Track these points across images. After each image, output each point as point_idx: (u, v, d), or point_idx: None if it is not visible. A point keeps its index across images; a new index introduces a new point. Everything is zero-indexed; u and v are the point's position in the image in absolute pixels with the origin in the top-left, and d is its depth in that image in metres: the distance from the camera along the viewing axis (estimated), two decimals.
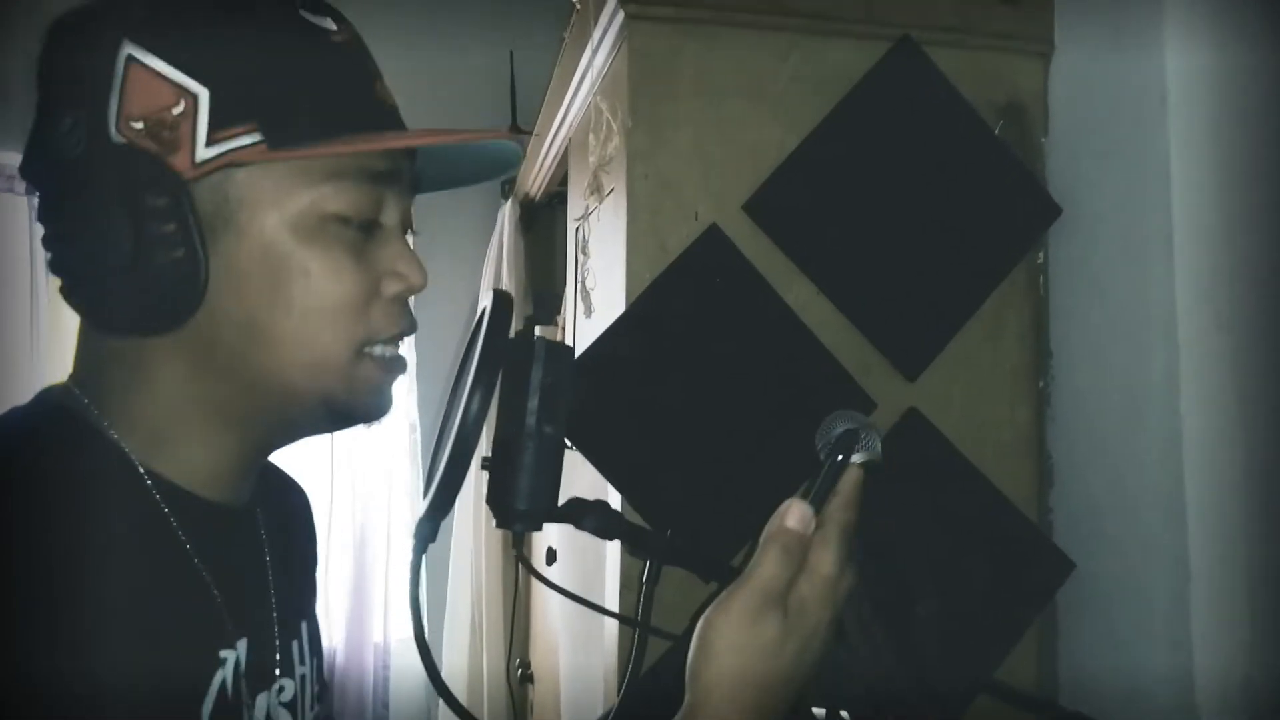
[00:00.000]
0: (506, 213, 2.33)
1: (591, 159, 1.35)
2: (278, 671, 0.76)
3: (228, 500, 0.74)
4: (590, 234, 1.39)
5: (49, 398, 0.71)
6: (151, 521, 0.67)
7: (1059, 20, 1.30)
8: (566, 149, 1.68)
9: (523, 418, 0.79)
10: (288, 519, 0.87)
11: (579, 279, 1.41)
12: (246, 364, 0.68)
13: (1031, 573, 1.24)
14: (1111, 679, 1.18)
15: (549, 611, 1.93)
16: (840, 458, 0.71)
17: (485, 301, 0.80)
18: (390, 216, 0.72)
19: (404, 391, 2.69)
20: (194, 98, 0.63)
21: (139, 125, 0.63)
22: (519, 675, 2.16)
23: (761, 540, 0.69)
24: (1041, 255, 1.31)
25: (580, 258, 1.42)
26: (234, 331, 0.67)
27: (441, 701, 2.39)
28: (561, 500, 0.81)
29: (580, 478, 1.10)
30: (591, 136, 1.34)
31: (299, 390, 0.69)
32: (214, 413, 0.70)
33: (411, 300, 0.75)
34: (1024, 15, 1.30)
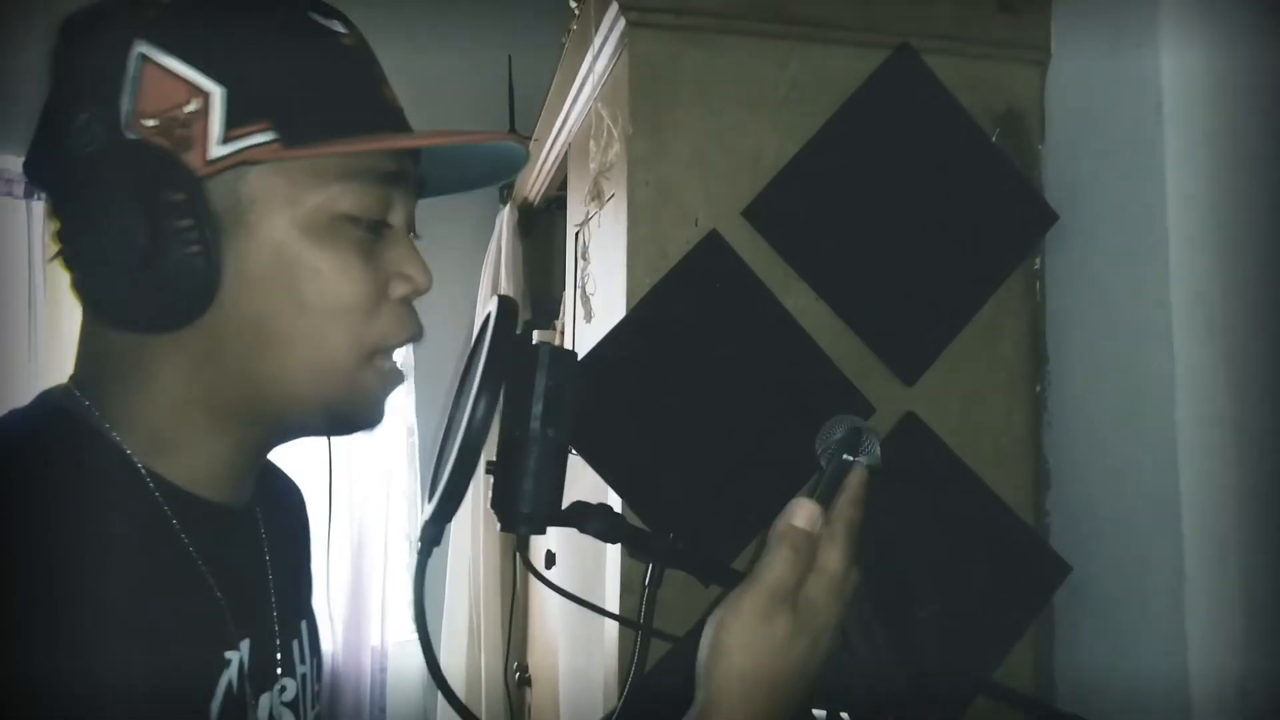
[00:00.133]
0: (505, 217, 2.34)
1: (592, 165, 1.35)
2: (279, 671, 0.76)
3: (228, 500, 0.74)
4: (591, 239, 1.40)
5: (49, 400, 0.71)
6: (153, 522, 0.67)
7: (1055, 28, 1.31)
8: (566, 154, 1.69)
9: (527, 422, 0.79)
10: (285, 517, 0.87)
11: (579, 284, 1.42)
12: (253, 364, 0.68)
13: (1029, 575, 1.25)
14: (1108, 681, 1.19)
15: (547, 614, 1.94)
16: (847, 457, 0.72)
17: (490, 307, 0.81)
18: (397, 218, 0.72)
19: (402, 395, 2.70)
20: (208, 96, 0.64)
21: (152, 122, 0.64)
22: (516, 678, 2.16)
23: (770, 539, 0.69)
24: (1038, 261, 1.32)
25: (580, 263, 1.43)
26: (242, 331, 0.67)
27: (440, 705, 2.39)
28: (565, 504, 0.82)
29: (581, 482, 1.11)
30: (592, 143, 1.35)
31: (302, 394, 0.70)
32: (215, 413, 0.70)
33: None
34: (1021, 24, 1.31)
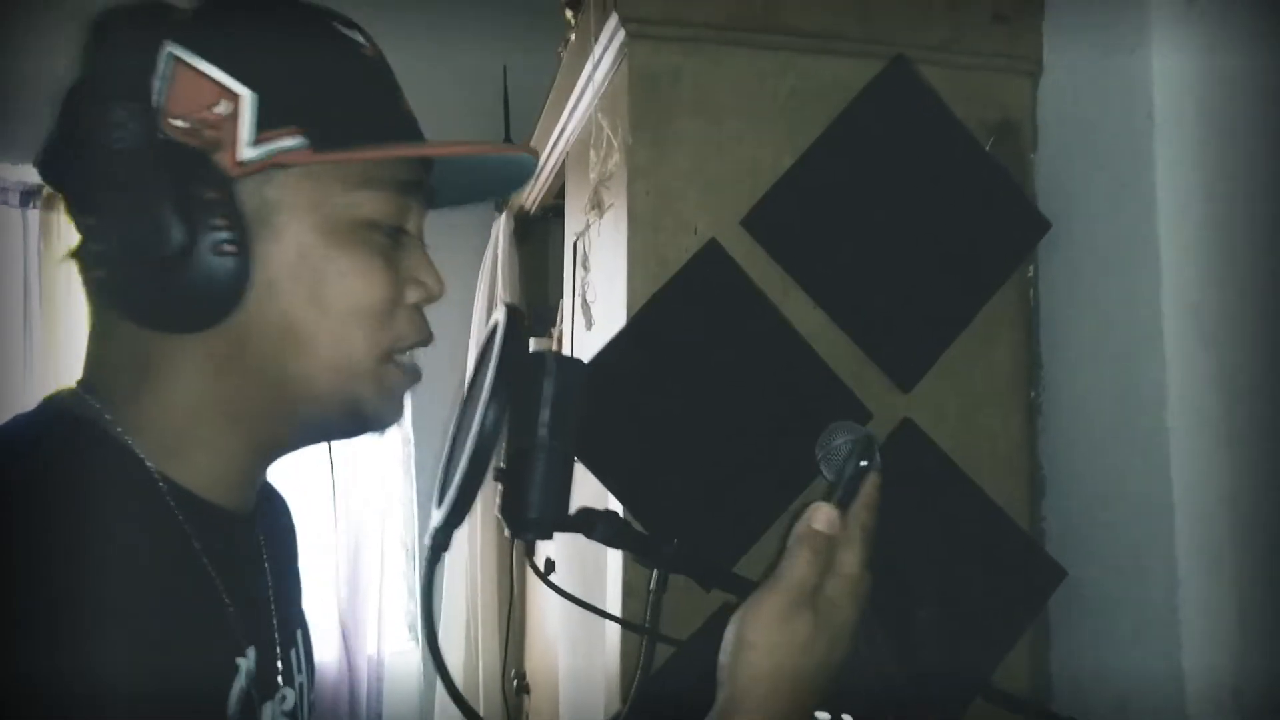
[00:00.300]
0: (501, 226, 2.35)
1: (592, 175, 1.37)
2: (280, 680, 0.77)
3: (235, 506, 0.74)
4: (591, 248, 1.41)
5: (57, 404, 0.71)
6: (167, 527, 0.68)
7: (1047, 40, 1.33)
8: (563, 163, 1.70)
9: (534, 429, 0.81)
10: (277, 525, 0.88)
11: (580, 292, 1.43)
12: (275, 365, 0.69)
13: (1024, 580, 1.26)
14: (1103, 683, 1.20)
15: (545, 621, 1.94)
16: (863, 463, 0.74)
17: (499, 315, 0.82)
18: (413, 225, 0.74)
19: None
20: (238, 99, 0.65)
21: (181, 123, 0.65)
22: (514, 686, 2.16)
23: (790, 541, 0.71)
24: (1032, 269, 1.33)
25: (580, 271, 1.44)
26: (265, 332, 0.68)
27: (437, 714, 2.39)
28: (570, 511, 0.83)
29: (582, 488, 1.12)
30: (592, 152, 1.37)
31: (324, 392, 0.71)
32: (231, 416, 0.70)
33: None
34: (1014, 35, 1.32)
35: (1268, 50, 1.07)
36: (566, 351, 1.65)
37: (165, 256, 0.64)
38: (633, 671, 1.17)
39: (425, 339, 0.76)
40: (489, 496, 0.79)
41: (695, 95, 1.24)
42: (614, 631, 1.24)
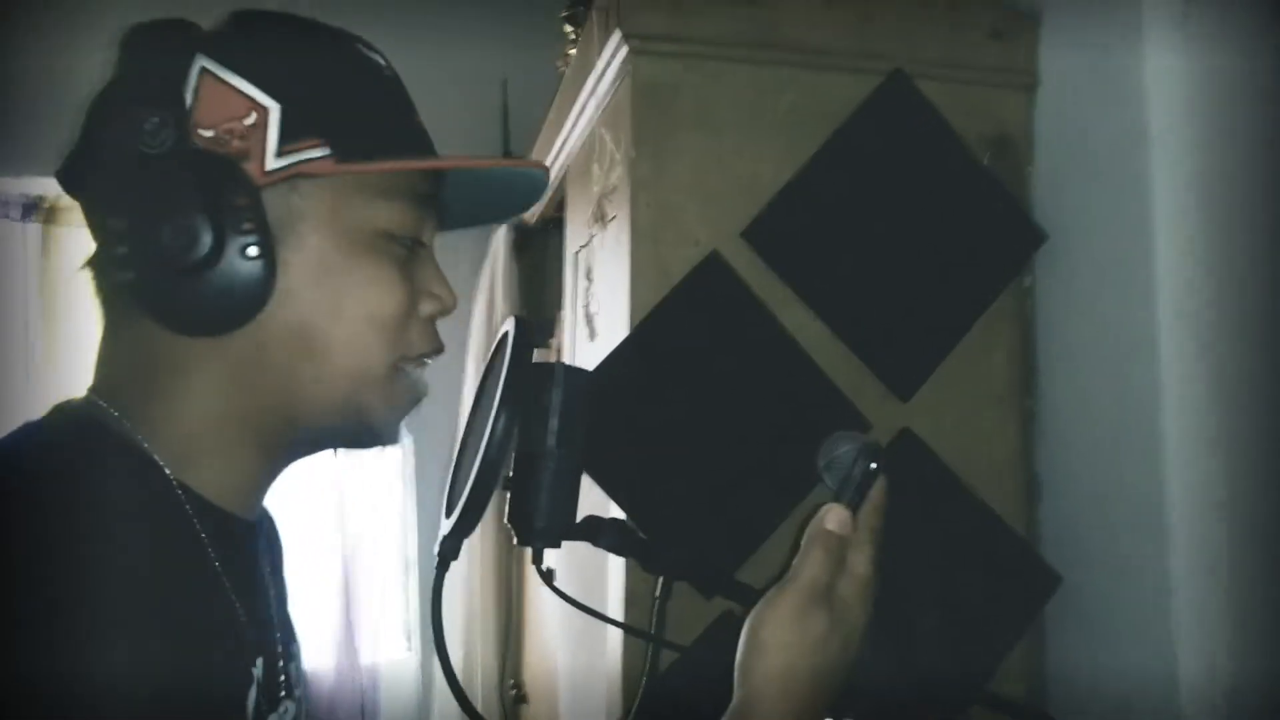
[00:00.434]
0: (500, 237, 2.37)
1: (596, 188, 1.38)
2: (282, 693, 0.77)
3: (244, 515, 0.75)
4: (594, 259, 1.43)
5: (70, 411, 0.71)
6: (186, 535, 0.69)
7: (1043, 55, 1.35)
8: (564, 176, 1.72)
9: (543, 438, 0.82)
10: (270, 535, 0.89)
11: (584, 303, 1.45)
12: (291, 371, 0.71)
13: (1021, 586, 1.28)
14: (1098, 687, 1.21)
15: (543, 630, 1.95)
16: (873, 466, 0.75)
17: (508, 326, 0.84)
18: (427, 238, 0.76)
19: None
20: (265, 111, 0.67)
21: (209, 133, 0.67)
22: (512, 696, 2.17)
23: (804, 542, 0.72)
24: (1029, 279, 1.35)
25: (584, 283, 1.45)
26: (284, 338, 0.70)
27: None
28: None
29: (584, 496, 1.13)
30: (595, 166, 1.38)
31: (338, 399, 0.72)
32: (247, 424, 0.72)
33: None
34: (1010, 50, 1.34)
35: (1260, 65, 1.08)
36: (568, 362, 1.66)
37: (195, 260, 0.65)
38: (634, 679, 1.19)
39: (437, 349, 0.77)
40: (492, 505, 0.81)
41: (697, 109, 1.26)
42: (615, 639, 1.25)
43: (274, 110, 0.67)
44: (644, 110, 1.25)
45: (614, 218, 1.32)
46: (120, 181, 0.67)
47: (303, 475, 0.94)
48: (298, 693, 0.81)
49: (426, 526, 2.77)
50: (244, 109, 0.67)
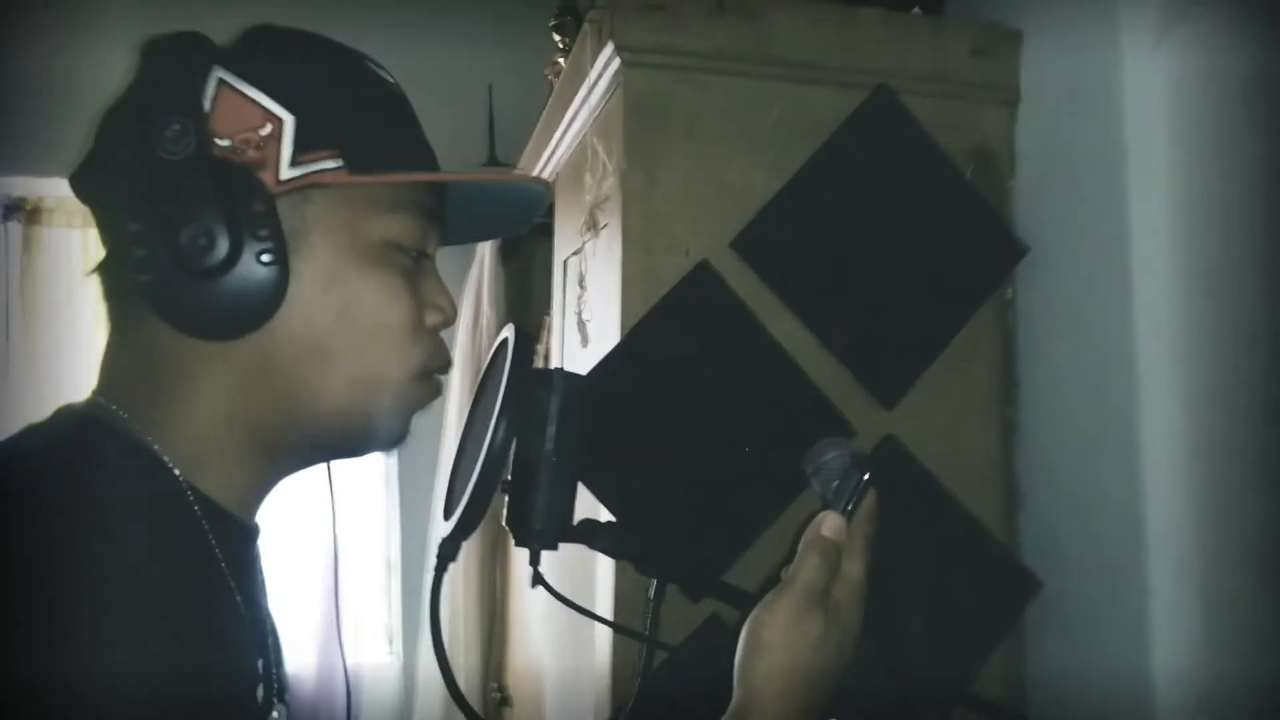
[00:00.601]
0: (487, 243, 2.38)
1: (588, 197, 1.40)
2: (275, 699, 0.78)
3: (247, 519, 0.76)
4: (586, 267, 1.45)
5: (75, 413, 0.72)
6: (195, 537, 0.69)
7: (1024, 71, 1.37)
8: (554, 183, 1.74)
9: (541, 443, 0.84)
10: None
11: (576, 310, 1.47)
12: (298, 377, 0.72)
13: (1003, 591, 1.30)
14: (1076, 688, 1.23)
15: (527, 633, 1.96)
16: (866, 475, 0.78)
17: (508, 333, 0.86)
18: (431, 249, 0.78)
19: None
20: (280, 122, 0.69)
21: (225, 142, 0.68)
22: (496, 699, 2.18)
23: (800, 548, 0.75)
24: (1010, 291, 1.38)
25: (578, 290, 1.47)
26: (293, 345, 0.71)
27: None
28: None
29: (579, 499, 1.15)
30: (588, 175, 1.40)
31: (343, 406, 0.73)
32: (253, 428, 0.72)
33: None
34: (992, 66, 1.37)
35: (1234, 81, 1.11)
36: (557, 367, 1.68)
37: (212, 264, 0.67)
38: (623, 681, 1.20)
39: (448, 362, 0.79)
40: None
41: (687, 121, 1.28)
42: (604, 641, 1.27)
43: (289, 122, 0.69)
44: (636, 121, 1.27)
45: (605, 226, 1.34)
46: (139, 186, 0.68)
47: (285, 480, 0.95)
48: (286, 696, 0.81)
49: (409, 530, 2.78)
50: (260, 120, 0.69)
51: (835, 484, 0.79)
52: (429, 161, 0.78)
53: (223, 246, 0.67)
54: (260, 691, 0.72)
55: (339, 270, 0.72)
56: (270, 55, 0.73)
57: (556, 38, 1.98)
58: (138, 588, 0.60)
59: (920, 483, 1.30)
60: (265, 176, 0.69)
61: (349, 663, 2.74)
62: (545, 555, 0.86)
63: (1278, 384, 1.04)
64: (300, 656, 2.66)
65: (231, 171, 0.68)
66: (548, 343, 1.88)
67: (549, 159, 1.71)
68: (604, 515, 1.19)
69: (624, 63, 1.26)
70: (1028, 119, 1.38)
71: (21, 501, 0.62)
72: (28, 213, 2.67)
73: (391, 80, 0.77)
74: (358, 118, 0.73)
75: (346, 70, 0.75)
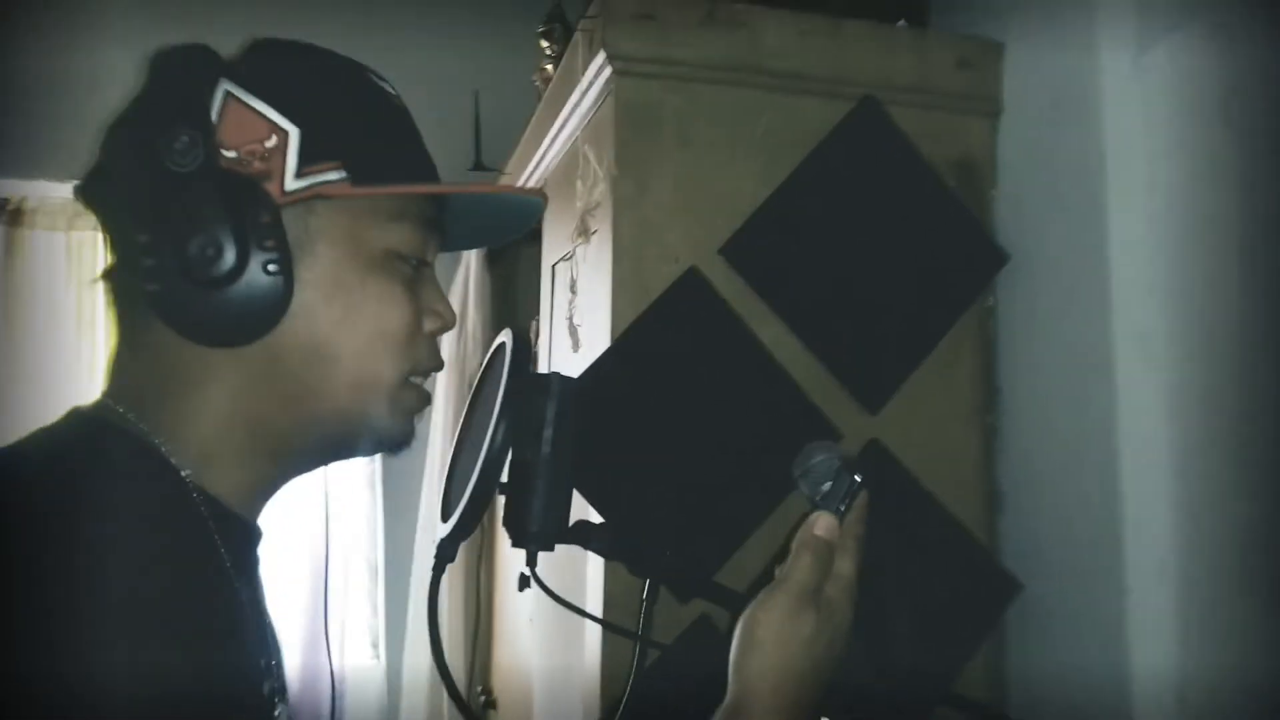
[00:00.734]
0: (472, 249, 2.39)
1: (579, 204, 1.42)
2: (276, 699, 0.78)
3: (251, 520, 0.78)
4: (578, 273, 1.46)
5: (84, 415, 0.73)
6: (202, 538, 0.70)
7: (1007, 83, 1.40)
8: (543, 188, 1.75)
9: (538, 446, 0.86)
10: None
11: (568, 315, 1.48)
12: (302, 382, 0.73)
13: (984, 593, 1.33)
14: (1056, 688, 1.26)
15: (514, 636, 1.97)
16: (858, 478, 0.80)
17: (504, 338, 0.88)
18: (431, 258, 0.80)
19: None
20: (286, 134, 0.71)
21: (231, 154, 0.70)
22: (481, 701, 2.18)
23: (794, 547, 0.77)
24: (992, 299, 1.40)
25: (569, 295, 1.49)
26: (298, 350, 0.73)
27: None
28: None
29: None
30: (579, 182, 1.42)
31: (346, 409, 0.75)
32: (256, 430, 0.74)
33: None
34: (976, 78, 1.40)
35: (1212, 92, 1.13)
36: (546, 370, 1.69)
37: (219, 274, 0.68)
38: (613, 681, 1.22)
39: (439, 365, 0.81)
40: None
41: (678, 130, 1.30)
42: (594, 642, 1.28)
43: (294, 134, 0.71)
44: (627, 129, 1.29)
45: (596, 232, 1.36)
46: (148, 196, 0.69)
47: (289, 482, 0.96)
48: (287, 695, 0.82)
49: (393, 534, 2.78)
50: (265, 131, 0.70)
51: (825, 486, 0.81)
52: (430, 173, 0.80)
53: (230, 257, 0.68)
54: (266, 689, 0.73)
55: (342, 278, 0.73)
56: (276, 68, 0.74)
57: (544, 44, 1.99)
58: (147, 586, 0.61)
59: (904, 486, 1.32)
60: (271, 188, 0.70)
61: (333, 668, 2.75)
62: (538, 557, 0.87)
63: (1254, 390, 1.06)
64: (285, 659, 2.66)
65: (238, 183, 0.69)
66: (534, 347, 1.89)
67: (538, 165, 1.72)
68: (596, 517, 1.21)
69: (615, 71, 1.28)
70: (1009, 129, 1.40)
71: (33, 501, 0.63)
72: (10, 214, 2.65)
73: (393, 92, 0.79)
74: (361, 130, 0.75)
75: (350, 83, 0.77)
